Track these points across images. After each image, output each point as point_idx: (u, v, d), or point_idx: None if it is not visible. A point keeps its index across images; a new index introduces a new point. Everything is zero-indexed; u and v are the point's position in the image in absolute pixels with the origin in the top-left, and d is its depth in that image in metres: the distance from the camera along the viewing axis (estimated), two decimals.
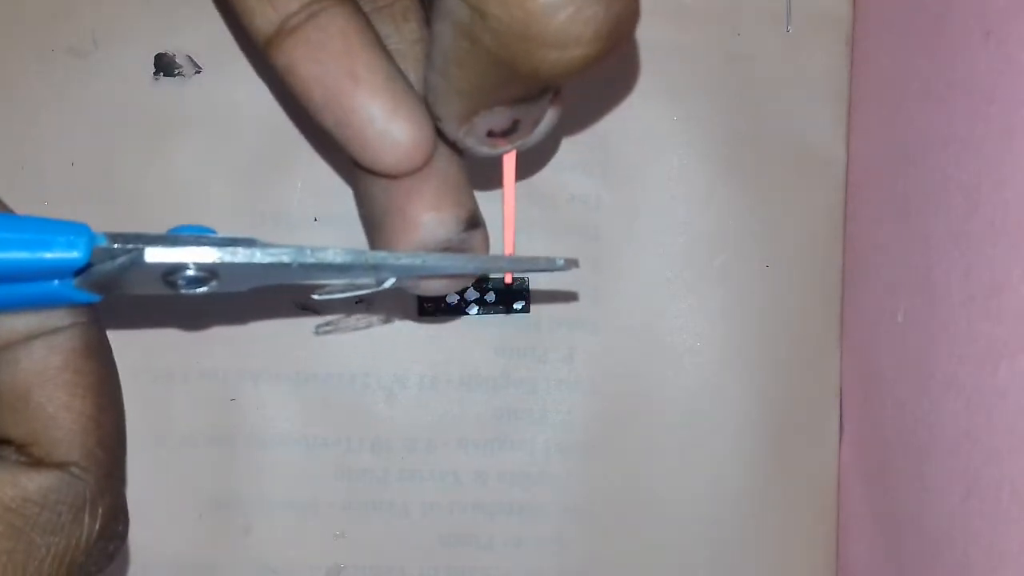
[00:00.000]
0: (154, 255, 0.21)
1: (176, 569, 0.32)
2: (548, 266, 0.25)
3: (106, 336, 0.23)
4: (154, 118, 0.32)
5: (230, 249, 0.21)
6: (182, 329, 0.32)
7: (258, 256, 0.21)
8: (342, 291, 0.26)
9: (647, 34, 0.32)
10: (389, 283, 0.24)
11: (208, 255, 0.21)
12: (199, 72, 0.32)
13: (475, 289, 0.32)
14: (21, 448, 0.21)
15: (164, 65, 0.32)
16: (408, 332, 0.32)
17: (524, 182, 0.32)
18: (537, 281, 0.32)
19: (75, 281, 0.22)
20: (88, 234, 0.21)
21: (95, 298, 0.22)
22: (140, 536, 0.32)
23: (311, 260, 0.22)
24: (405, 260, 0.23)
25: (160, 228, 0.32)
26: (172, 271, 0.21)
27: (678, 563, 0.33)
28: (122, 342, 0.32)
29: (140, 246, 0.21)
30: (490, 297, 0.32)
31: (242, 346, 0.32)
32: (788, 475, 0.33)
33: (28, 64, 0.31)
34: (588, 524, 0.33)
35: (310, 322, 0.32)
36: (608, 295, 0.33)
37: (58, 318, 0.22)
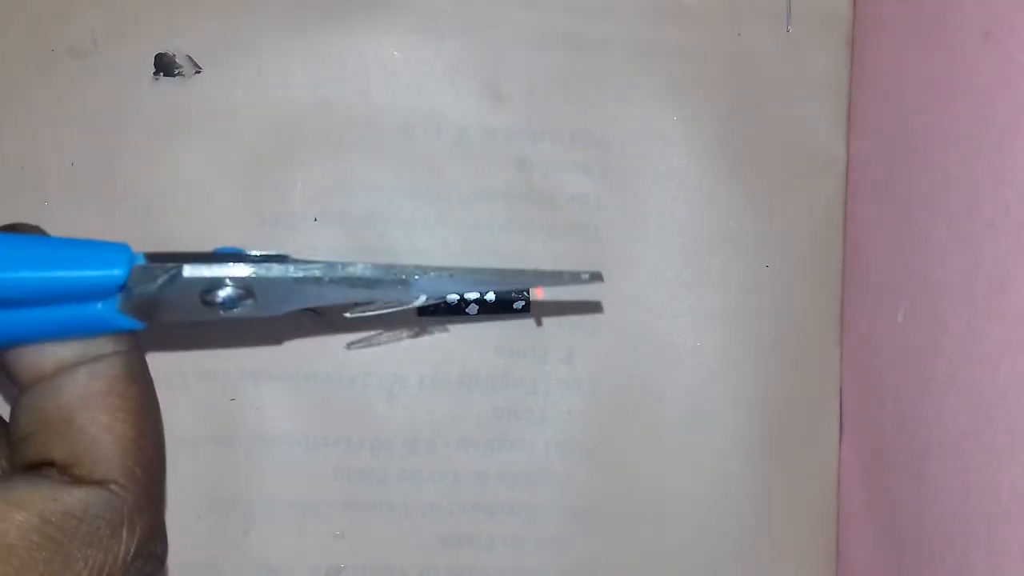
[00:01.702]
0: (192, 271, 0.22)
1: (176, 569, 0.32)
2: (573, 280, 0.25)
3: (146, 363, 0.24)
4: (154, 118, 0.32)
5: (264, 265, 0.22)
6: (182, 329, 0.32)
7: (291, 271, 0.22)
8: (375, 309, 0.26)
9: (647, 34, 0.32)
10: (420, 300, 0.25)
11: (243, 270, 0.22)
12: (199, 72, 0.32)
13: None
14: (63, 469, 0.22)
15: (164, 65, 0.32)
16: (408, 332, 0.32)
17: (524, 181, 0.32)
18: None
19: (119, 304, 0.22)
20: (128, 252, 0.22)
21: (139, 325, 0.23)
22: None
23: (341, 274, 0.23)
24: (433, 274, 0.23)
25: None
26: (209, 288, 0.22)
27: (678, 563, 0.33)
28: None
29: (179, 264, 0.22)
30: (490, 297, 0.32)
31: (242, 346, 0.32)
32: (788, 475, 0.33)
33: (28, 64, 0.31)
34: (588, 524, 0.33)
35: (310, 322, 0.32)
36: (608, 295, 0.33)
37: (102, 346, 0.23)
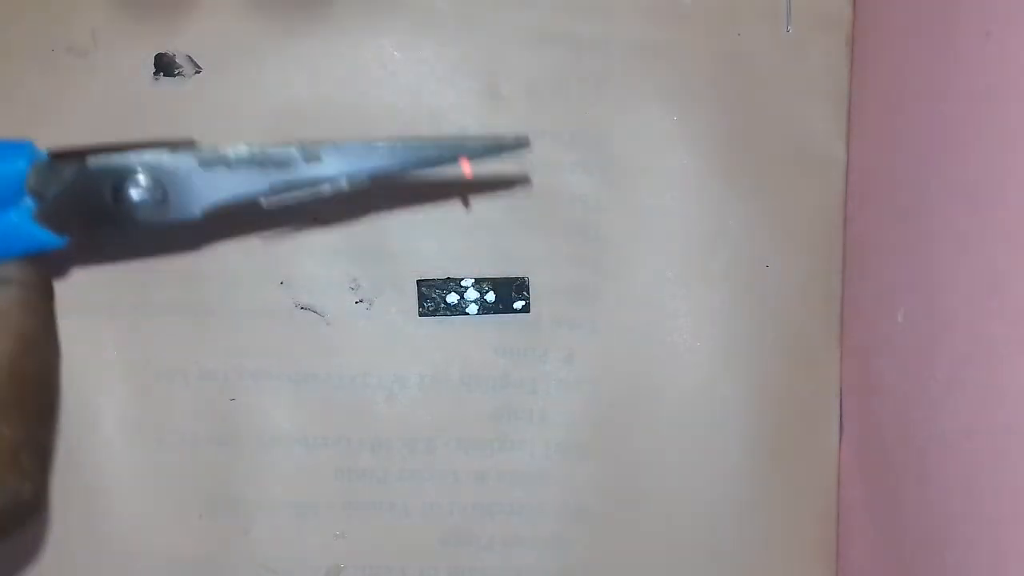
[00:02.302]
0: (97, 161, 0.22)
1: (176, 569, 0.32)
2: (497, 147, 0.24)
3: (51, 305, 0.24)
4: (154, 118, 0.32)
5: (171, 151, 0.22)
6: (182, 324, 0.32)
7: (200, 154, 0.22)
8: (293, 197, 0.25)
9: (647, 34, 0.32)
10: (342, 184, 0.24)
11: (150, 157, 0.22)
12: (199, 72, 0.32)
13: (475, 289, 0.32)
14: None
15: (164, 65, 0.32)
16: (408, 332, 0.32)
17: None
18: (537, 281, 0.32)
19: (33, 213, 0.22)
20: (29, 147, 0.22)
21: (58, 241, 0.23)
22: (140, 536, 0.32)
23: (248, 154, 0.22)
24: (348, 148, 0.23)
25: None
26: (120, 184, 0.22)
27: (678, 563, 0.33)
28: (123, 341, 0.32)
29: (83, 157, 0.22)
30: (490, 297, 0.32)
31: (242, 346, 0.32)
32: (788, 475, 0.33)
33: (28, 64, 0.31)
34: (588, 524, 0.33)
35: (310, 322, 0.32)
36: (608, 295, 0.33)
37: (3, 272, 0.23)
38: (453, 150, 0.25)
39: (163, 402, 0.32)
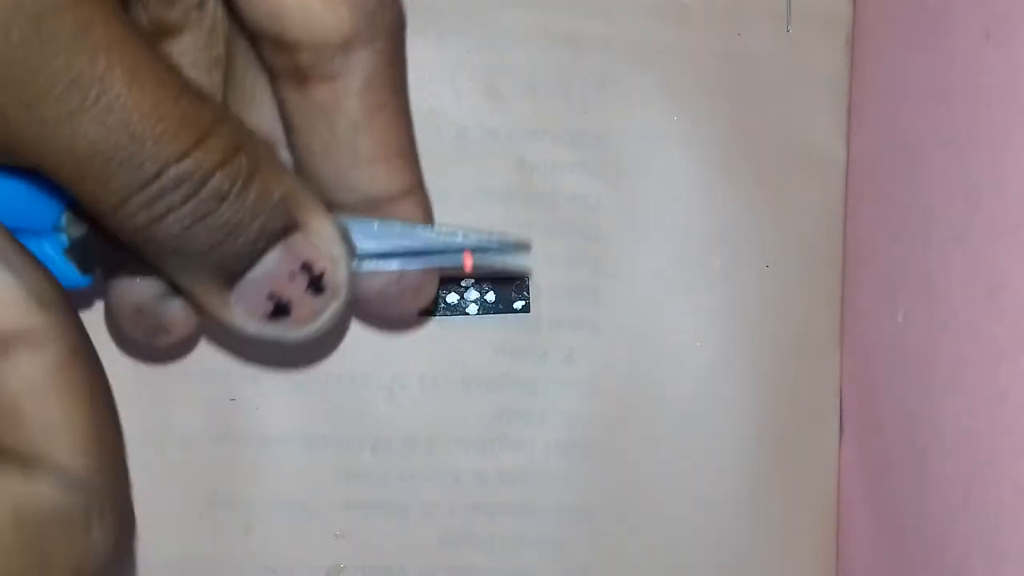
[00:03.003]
0: None
1: (176, 569, 0.32)
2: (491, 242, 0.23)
3: (91, 341, 0.22)
4: None
5: None
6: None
7: None
8: None
9: (647, 34, 0.32)
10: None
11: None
12: None
13: (475, 289, 0.32)
14: (23, 461, 0.21)
15: None
16: (408, 332, 0.32)
17: (524, 181, 0.32)
18: (538, 281, 0.32)
19: (63, 246, 0.22)
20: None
21: (85, 280, 0.22)
22: (140, 536, 0.32)
23: None
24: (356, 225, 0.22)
25: None
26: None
27: (678, 563, 0.33)
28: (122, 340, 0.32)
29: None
30: (490, 297, 0.32)
31: (242, 346, 0.32)
32: (788, 475, 0.33)
33: None
34: (588, 524, 0.33)
35: None
36: (608, 295, 0.33)
37: (42, 328, 0.21)
38: (456, 245, 0.23)
39: (163, 402, 0.32)
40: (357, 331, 0.32)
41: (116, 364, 0.32)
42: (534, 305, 0.32)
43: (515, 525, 0.33)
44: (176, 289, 0.22)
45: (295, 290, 0.21)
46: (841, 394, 0.33)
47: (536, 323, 0.33)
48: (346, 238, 0.22)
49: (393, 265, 0.23)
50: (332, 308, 0.22)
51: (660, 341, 0.33)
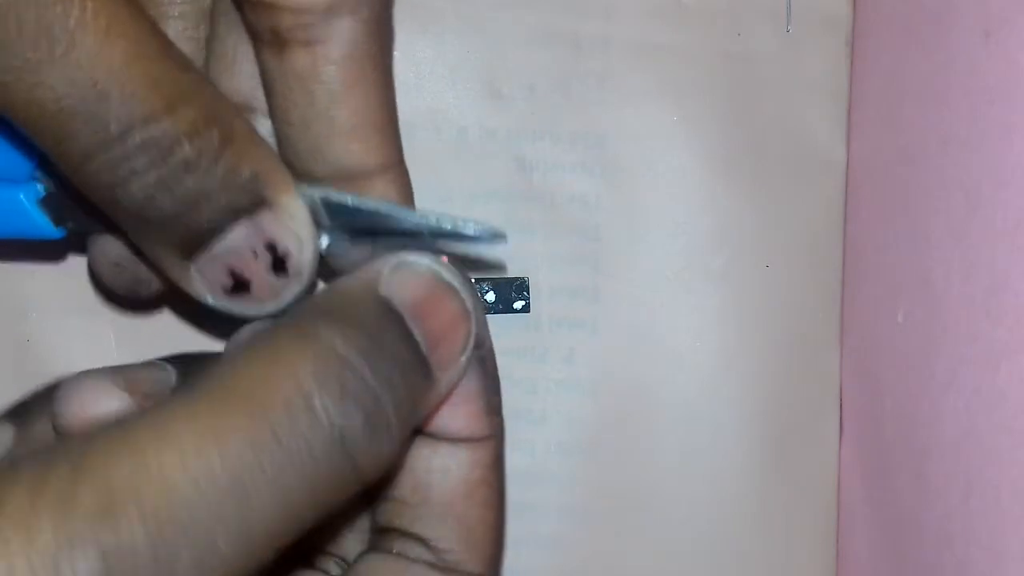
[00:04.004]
0: None
1: None
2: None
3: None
4: None
5: None
6: (183, 323, 0.32)
7: None
8: None
9: (647, 34, 0.32)
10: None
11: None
12: None
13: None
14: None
15: None
16: None
17: (524, 181, 0.32)
18: (538, 281, 0.32)
19: (38, 198, 0.22)
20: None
21: (57, 232, 0.22)
22: None
23: None
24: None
25: None
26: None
27: (678, 563, 0.33)
28: (122, 340, 0.32)
29: None
30: (490, 297, 0.32)
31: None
32: (788, 475, 0.33)
33: None
34: (588, 524, 0.33)
35: None
36: (608, 295, 0.33)
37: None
38: (429, 228, 0.23)
39: None
40: None
41: (117, 364, 0.32)
42: (534, 305, 0.32)
43: (515, 525, 0.33)
44: (139, 252, 0.22)
45: (257, 267, 0.21)
46: (841, 394, 0.33)
47: (536, 323, 0.33)
48: (317, 220, 0.22)
49: (364, 245, 0.23)
50: (293, 289, 0.22)
51: (660, 341, 0.33)
